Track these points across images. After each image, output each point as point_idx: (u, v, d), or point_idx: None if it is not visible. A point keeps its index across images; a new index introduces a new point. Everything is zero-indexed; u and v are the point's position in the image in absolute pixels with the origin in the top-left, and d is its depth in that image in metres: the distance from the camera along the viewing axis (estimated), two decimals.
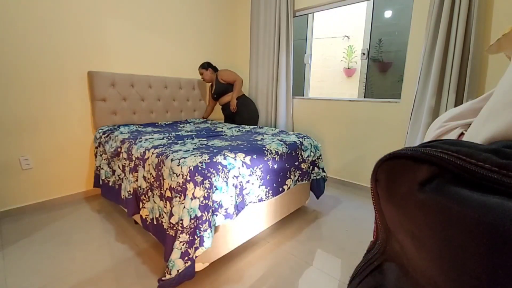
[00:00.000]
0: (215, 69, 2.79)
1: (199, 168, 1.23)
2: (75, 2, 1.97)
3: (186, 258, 1.14)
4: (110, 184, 1.87)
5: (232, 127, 2.37)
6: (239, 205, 1.35)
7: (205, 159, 1.29)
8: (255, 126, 2.42)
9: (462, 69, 1.77)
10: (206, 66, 2.73)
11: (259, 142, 1.71)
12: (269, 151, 1.59)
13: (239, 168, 1.37)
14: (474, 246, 0.18)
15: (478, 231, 0.18)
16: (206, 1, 2.90)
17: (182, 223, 1.15)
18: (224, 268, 1.38)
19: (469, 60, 1.72)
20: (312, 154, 1.92)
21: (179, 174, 1.24)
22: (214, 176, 1.24)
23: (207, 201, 1.20)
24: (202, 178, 1.20)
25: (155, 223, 1.41)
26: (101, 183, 1.97)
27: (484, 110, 0.37)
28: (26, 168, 1.88)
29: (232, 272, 1.35)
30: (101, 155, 2.02)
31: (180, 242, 1.14)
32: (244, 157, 1.43)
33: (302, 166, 1.81)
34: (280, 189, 1.63)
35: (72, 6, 1.96)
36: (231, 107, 2.70)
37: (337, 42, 4.69)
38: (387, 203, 0.27)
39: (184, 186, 1.20)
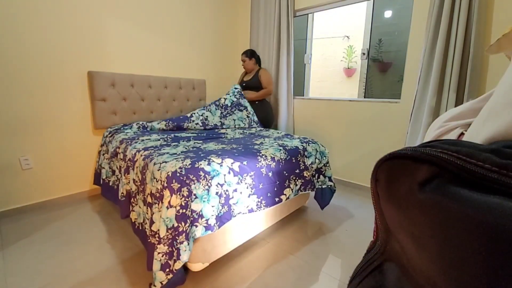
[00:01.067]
0: (258, 60, 2.77)
1: (177, 174, 1.14)
2: (75, 2, 1.97)
3: (167, 270, 1.07)
4: (110, 184, 1.87)
5: (236, 129, 2.33)
6: (223, 216, 1.24)
7: (186, 164, 1.20)
8: (262, 129, 2.38)
9: (463, 69, 1.77)
10: (249, 55, 2.70)
11: (255, 147, 1.60)
12: (263, 156, 1.47)
13: (224, 175, 1.26)
14: (474, 246, 0.18)
15: (478, 231, 0.18)
16: (206, 1, 2.90)
17: (159, 233, 1.09)
18: (224, 268, 1.38)
19: (470, 60, 1.72)
20: (317, 161, 1.76)
21: (158, 180, 1.17)
22: (194, 183, 1.14)
23: (184, 210, 1.11)
24: (179, 185, 1.12)
25: (140, 228, 1.37)
26: (101, 182, 1.97)
27: (484, 110, 0.37)
28: (26, 168, 1.88)
29: (232, 272, 1.35)
30: (103, 154, 2.03)
31: (159, 253, 1.08)
32: (232, 163, 1.32)
33: (305, 174, 1.66)
34: (277, 199, 1.49)
35: (72, 6, 1.96)
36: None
37: (337, 42, 4.68)
38: (387, 203, 0.27)
39: (161, 193, 1.13)
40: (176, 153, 1.40)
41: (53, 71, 1.92)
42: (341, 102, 2.54)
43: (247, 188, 1.35)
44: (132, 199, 1.46)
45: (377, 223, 0.30)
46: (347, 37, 4.60)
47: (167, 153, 1.40)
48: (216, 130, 2.29)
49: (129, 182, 1.52)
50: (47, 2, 1.84)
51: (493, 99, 0.36)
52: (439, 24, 1.81)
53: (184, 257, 1.09)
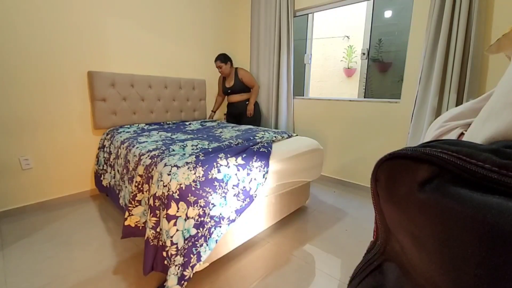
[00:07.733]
0: (231, 63, 2.78)
1: (193, 188, 1.14)
2: (75, 2, 1.97)
3: (183, 282, 1.09)
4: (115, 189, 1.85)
5: (233, 128, 2.30)
6: (244, 207, 1.30)
7: (199, 176, 1.18)
8: (252, 127, 2.33)
9: (463, 70, 1.77)
10: (224, 59, 2.67)
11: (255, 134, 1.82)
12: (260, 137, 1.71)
13: (236, 174, 1.29)
14: (474, 246, 0.18)
15: (478, 231, 0.18)
16: (206, 1, 2.90)
17: (176, 246, 1.08)
18: (224, 268, 1.38)
19: (469, 60, 1.72)
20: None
21: (166, 185, 1.14)
22: (211, 195, 1.16)
23: (202, 218, 1.13)
24: (195, 198, 1.12)
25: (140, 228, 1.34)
26: (107, 186, 1.95)
27: (484, 110, 0.37)
28: (26, 168, 1.88)
29: (232, 272, 1.35)
30: (104, 156, 2.02)
31: (176, 265, 1.07)
32: (236, 159, 1.35)
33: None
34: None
35: (72, 6, 1.96)
36: (248, 112, 2.75)
37: (337, 42, 4.69)
38: (387, 203, 0.27)
39: (173, 204, 1.10)
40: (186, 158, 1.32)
41: (53, 71, 1.92)
42: (341, 102, 2.54)
43: (259, 171, 1.40)
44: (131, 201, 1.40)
45: (377, 223, 0.30)
46: (347, 37, 4.60)
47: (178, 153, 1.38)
48: (213, 131, 2.19)
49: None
50: (47, 2, 1.84)
51: (493, 99, 0.36)
52: (440, 24, 1.81)
53: (204, 257, 1.14)
